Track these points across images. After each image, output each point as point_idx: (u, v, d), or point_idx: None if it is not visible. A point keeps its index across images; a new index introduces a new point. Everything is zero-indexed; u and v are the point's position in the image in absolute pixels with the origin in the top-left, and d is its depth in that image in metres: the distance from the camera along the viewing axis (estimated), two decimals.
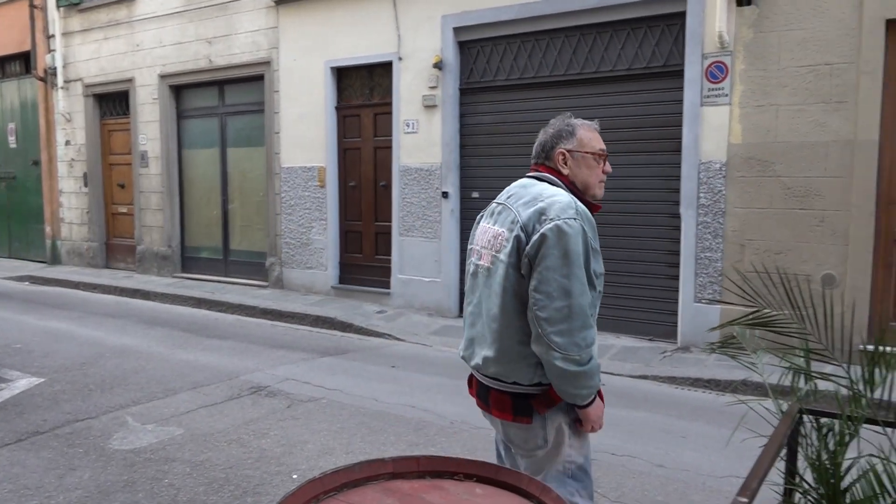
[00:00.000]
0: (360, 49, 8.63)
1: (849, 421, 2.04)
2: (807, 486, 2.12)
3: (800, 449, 2.18)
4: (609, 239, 7.10)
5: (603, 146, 2.42)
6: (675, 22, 6.70)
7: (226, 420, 4.81)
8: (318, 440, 4.46)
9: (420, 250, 8.30)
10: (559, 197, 2.20)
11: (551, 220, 2.13)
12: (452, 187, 8.05)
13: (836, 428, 2.10)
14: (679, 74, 6.63)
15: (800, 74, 6.02)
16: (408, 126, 8.33)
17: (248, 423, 4.76)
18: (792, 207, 6.05)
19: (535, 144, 2.43)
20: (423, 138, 8.22)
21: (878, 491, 1.82)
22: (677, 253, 6.67)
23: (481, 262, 2.33)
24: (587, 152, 2.36)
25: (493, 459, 4.08)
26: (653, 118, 6.87)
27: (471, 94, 8.02)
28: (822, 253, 5.94)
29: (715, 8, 6.27)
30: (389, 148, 8.59)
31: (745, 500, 1.56)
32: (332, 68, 8.97)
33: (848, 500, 1.95)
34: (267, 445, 4.37)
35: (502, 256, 2.22)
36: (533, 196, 2.24)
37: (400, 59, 8.30)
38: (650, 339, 6.86)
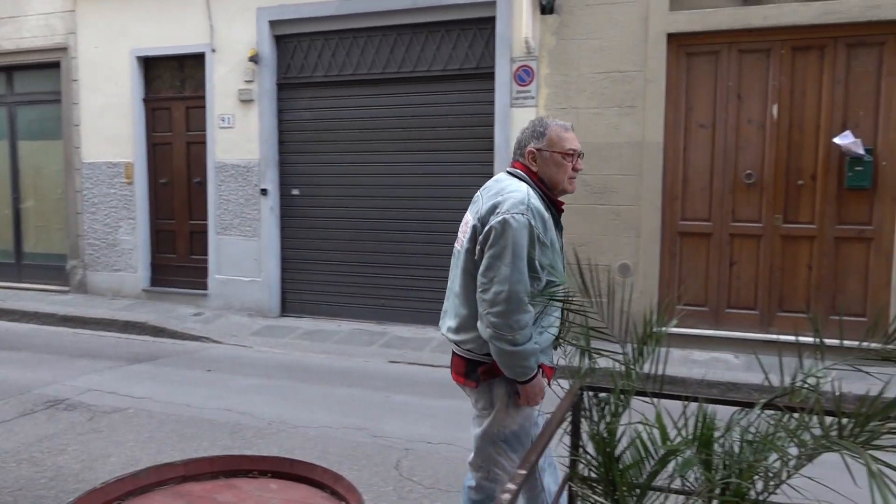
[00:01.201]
0: (170, 38, 8.19)
1: (621, 394, 2.24)
2: (588, 457, 2.31)
3: (582, 422, 2.37)
4: (426, 235, 7.31)
5: (573, 146, 2.56)
6: (486, 26, 7.00)
7: (16, 439, 4.39)
8: (124, 452, 4.19)
9: (238, 249, 8.03)
10: (516, 193, 2.43)
11: (501, 213, 2.38)
12: (271, 184, 7.87)
13: (612, 401, 2.30)
14: (490, 77, 6.93)
15: (597, 80, 6.51)
16: (223, 121, 8.03)
17: (42, 439, 4.38)
18: (592, 203, 6.54)
19: (515, 142, 2.64)
20: (239, 133, 7.96)
21: (643, 455, 2.01)
22: None
23: (456, 245, 2.65)
24: (555, 151, 2.53)
25: (311, 457, 4.06)
26: (467, 118, 7.13)
27: (289, 89, 7.88)
28: (619, 245, 6.48)
29: (521, 15, 6.61)
30: (204, 143, 8.22)
31: (523, 472, 1.68)
32: (139, 58, 8.43)
33: (621, 466, 2.15)
34: (64, 462, 4.04)
35: (465, 242, 2.54)
36: (497, 190, 2.49)
37: (213, 50, 7.97)
38: None
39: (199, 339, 7.08)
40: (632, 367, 2.32)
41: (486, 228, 2.42)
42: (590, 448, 2.36)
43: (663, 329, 2.51)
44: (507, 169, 2.64)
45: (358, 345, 6.79)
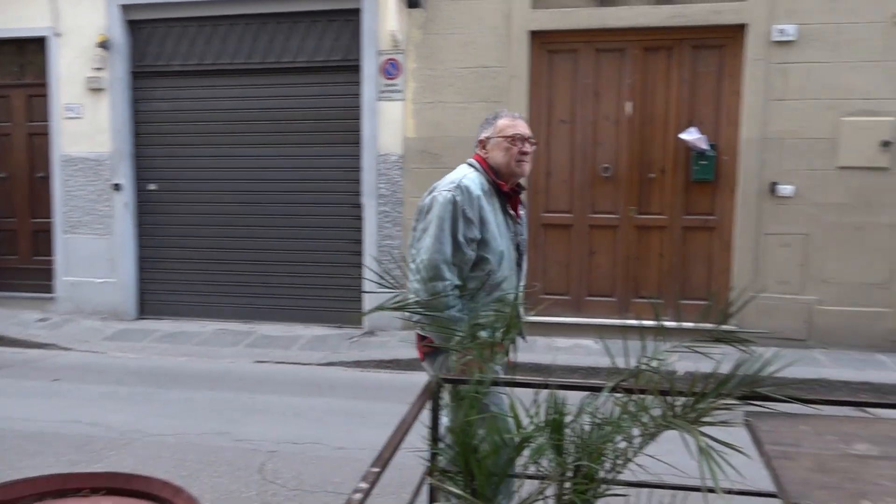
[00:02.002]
0: (8, 20, 7.51)
1: (478, 385, 2.26)
2: (449, 450, 2.31)
3: (442, 415, 2.37)
4: (293, 230, 7.14)
5: (518, 131, 2.74)
6: (353, 18, 6.90)
7: None
8: None
9: (90, 249, 7.50)
10: (453, 175, 2.71)
11: (432, 192, 2.67)
12: (125, 179, 7.40)
13: (472, 392, 2.32)
14: (357, 69, 6.84)
15: (462, 75, 6.58)
16: (70, 111, 7.46)
17: None
18: None
19: None
20: (89, 124, 7.43)
21: (499, 445, 2.04)
22: (360, 242, 6.92)
23: None
24: (500, 137, 2.74)
25: (168, 467, 3.86)
26: (334, 111, 7.01)
27: (145, 78, 7.44)
28: None
29: (387, 8, 6.58)
30: (48, 134, 7.61)
31: (377, 469, 1.65)
32: None
33: (479, 457, 2.16)
34: None
35: (414, 222, 2.76)
36: (445, 178, 2.74)
37: (58, 35, 7.39)
38: (339, 327, 7.02)
39: (44, 346, 6.56)
40: (489, 357, 2.35)
41: (421, 205, 2.70)
42: (451, 442, 2.37)
43: (524, 319, 2.57)
44: (467, 160, 2.85)
45: (222, 345, 6.53)
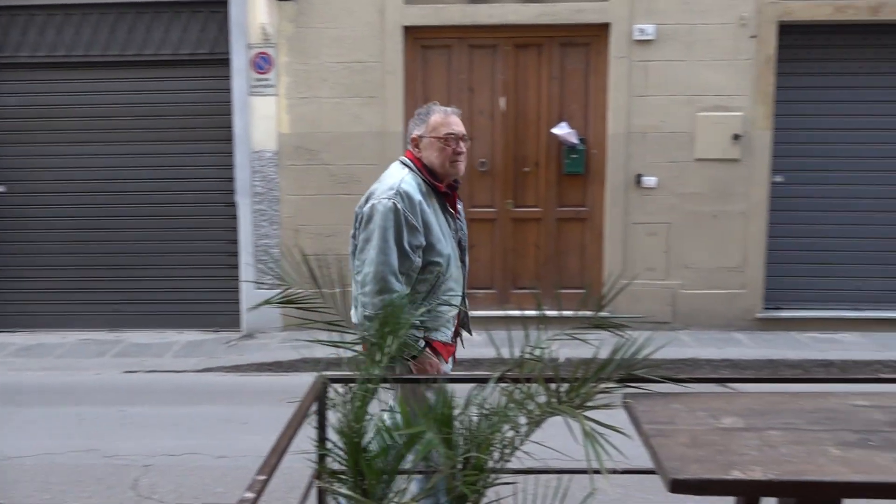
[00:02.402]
0: None
1: (367, 383, 2.23)
2: (337, 451, 2.27)
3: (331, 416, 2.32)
4: (163, 231, 6.80)
5: (452, 130, 2.68)
6: (219, 10, 6.62)
7: None
8: None
9: None
10: (389, 179, 2.62)
11: (371, 200, 2.59)
12: None
13: (357, 391, 2.28)
14: (226, 63, 6.58)
15: (337, 70, 6.49)
16: None
17: None
18: (337, 193, 6.52)
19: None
20: None
21: (388, 443, 2.02)
22: (236, 241, 6.68)
23: None
24: (433, 136, 2.66)
25: (29, 491, 3.56)
26: (203, 106, 6.72)
27: None
28: None
29: (256, 0, 6.38)
30: None
31: (263, 477, 1.59)
32: None
33: (369, 456, 2.14)
34: None
35: (352, 230, 2.72)
36: (381, 178, 2.69)
37: None
38: (215, 331, 6.75)
39: None
40: (373, 354, 2.32)
41: (361, 215, 2.64)
42: (339, 443, 2.32)
43: (408, 315, 2.57)
44: (400, 157, 2.78)
45: (87, 357, 6.11)
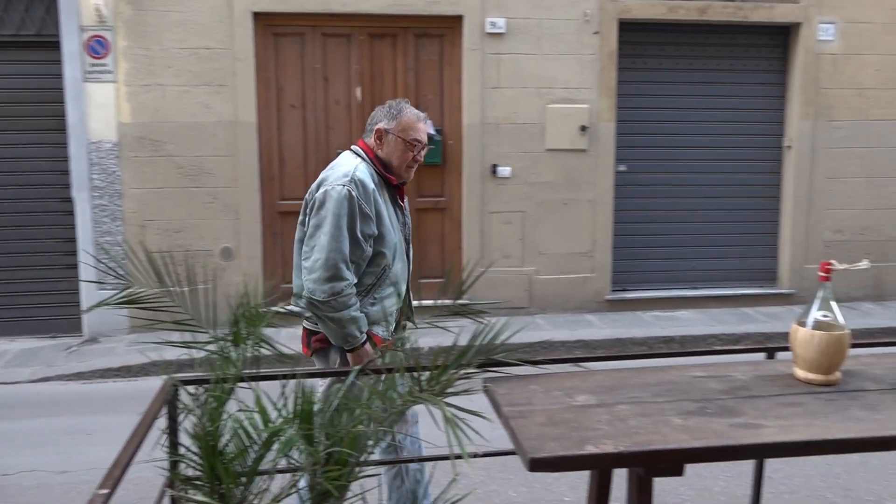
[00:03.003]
0: None
1: (222, 382, 2.13)
2: (191, 456, 2.15)
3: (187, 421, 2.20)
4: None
5: (419, 137, 2.67)
6: None
7: None
8: None
9: None
10: (342, 167, 2.58)
11: (324, 186, 2.54)
12: None
13: (215, 392, 2.18)
14: (56, 46, 6.05)
15: (182, 56, 6.15)
16: None
17: None
18: (186, 186, 6.20)
19: (370, 117, 2.75)
20: None
21: (246, 444, 1.94)
22: (74, 240, 6.18)
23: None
24: (400, 136, 2.64)
25: None
26: (31, 93, 6.15)
27: None
28: (218, 228, 6.27)
29: None
30: None
31: (105, 491, 1.48)
32: None
33: (226, 459, 2.04)
34: None
35: (301, 216, 2.67)
36: (330, 166, 2.65)
37: None
38: (53, 337, 6.23)
39: None
40: (227, 352, 2.23)
41: (312, 200, 2.58)
42: (194, 447, 2.21)
43: (266, 310, 2.47)
44: (351, 147, 2.75)
45: None
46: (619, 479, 2.03)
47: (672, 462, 1.70)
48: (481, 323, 2.13)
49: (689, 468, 3.62)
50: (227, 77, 6.17)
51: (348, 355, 2.58)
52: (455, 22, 6.44)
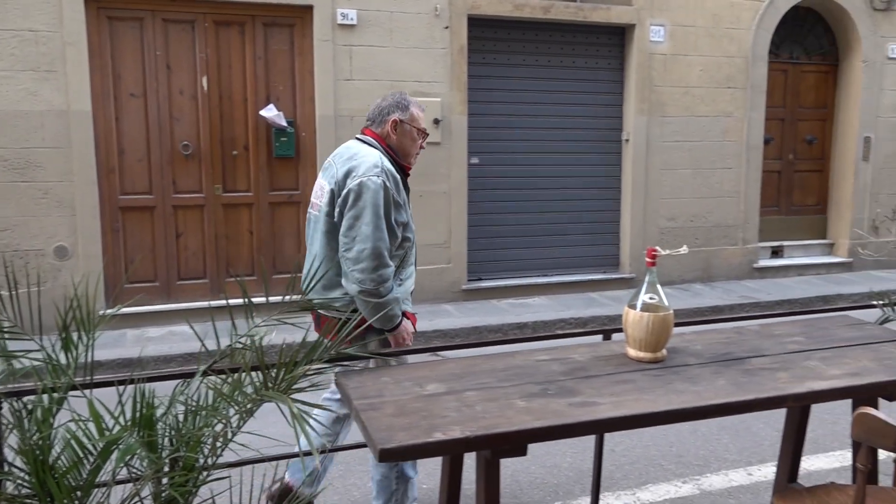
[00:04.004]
0: None
1: (53, 392, 1.99)
2: (18, 473, 2.00)
3: (12, 435, 2.04)
4: None
5: (425, 126, 2.85)
6: None
7: None
8: None
9: None
10: (369, 157, 2.65)
11: (358, 177, 2.60)
12: None
13: (45, 403, 2.03)
14: None
15: (4, 39, 5.62)
16: None
17: None
18: (13, 181, 5.69)
19: (373, 109, 2.84)
20: None
21: (81, 455, 1.83)
22: None
23: (312, 211, 2.81)
24: (414, 127, 2.80)
25: None
26: None
27: None
28: (52, 225, 5.81)
29: None
30: None
31: None
32: None
33: (57, 474, 1.92)
34: None
35: (324, 206, 2.70)
36: (349, 156, 2.70)
37: None
38: None
39: None
40: (55, 360, 2.08)
41: (345, 192, 2.61)
42: (20, 463, 2.05)
43: (104, 312, 2.33)
44: (357, 136, 2.82)
45: None
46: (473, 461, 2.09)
47: (516, 443, 1.79)
48: (333, 318, 2.13)
49: (540, 447, 3.80)
50: (55, 62, 5.71)
51: (389, 336, 2.72)
52: (305, 12, 6.32)
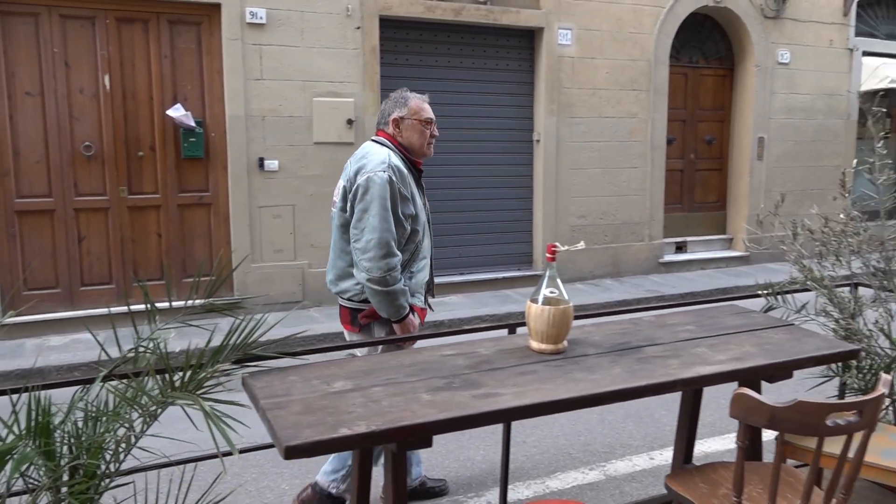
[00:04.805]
0: None
1: None
2: None
3: None
4: None
5: (430, 115, 2.97)
6: None
7: None
8: None
9: None
10: (377, 155, 2.82)
11: (366, 173, 2.77)
12: None
13: None
14: None
15: None
16: None
17: None
18: None
19: (380, 112, 3.01)
20: None
21: None
22: None
23: (332, 208, 2.96)
24: (416, 119, 2.92)
25: None
26: None
27: None
28: None
29: None
30: None
31: None
32: None
33: None
34: None
35: (338, 202, 2.90)
36: (362, 155, 2.88)
37: None
38: None
39: None
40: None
41: (354, 187, 2.79)
42: None
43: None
44: (372, 138, 2.99)
45: None
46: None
47: (421, 435, 1.84)
48: (239, 319, 2.13)
49: (453, 442, 3.88)
50: None
51: (395, 326, 2.83)
52: (213, 10, 6.20)
